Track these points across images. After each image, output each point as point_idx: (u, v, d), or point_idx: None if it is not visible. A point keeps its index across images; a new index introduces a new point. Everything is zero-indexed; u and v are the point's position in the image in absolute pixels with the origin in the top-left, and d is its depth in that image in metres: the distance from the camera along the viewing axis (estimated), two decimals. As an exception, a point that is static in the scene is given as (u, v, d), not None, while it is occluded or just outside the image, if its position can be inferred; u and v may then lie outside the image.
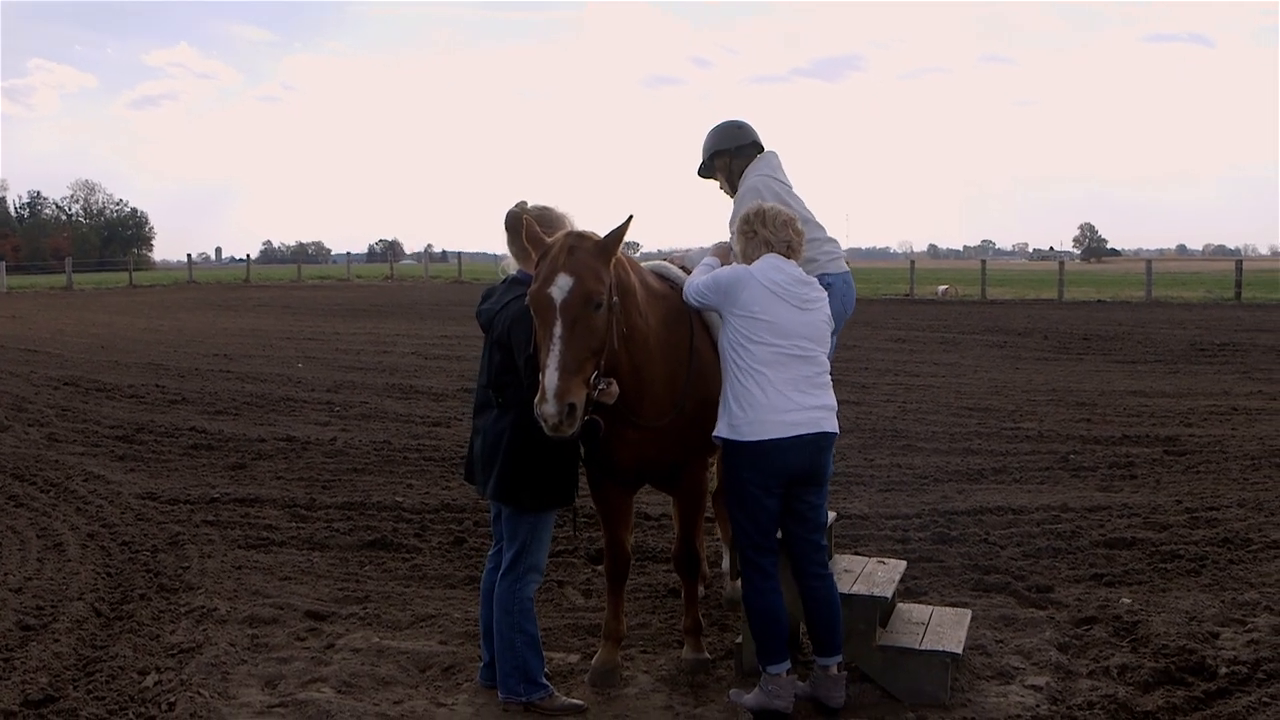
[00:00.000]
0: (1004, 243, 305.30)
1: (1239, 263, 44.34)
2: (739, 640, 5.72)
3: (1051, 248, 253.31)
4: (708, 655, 5.88)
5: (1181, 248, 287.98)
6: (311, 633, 6.29)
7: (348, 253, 79.50)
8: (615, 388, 4.86)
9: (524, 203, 5.34)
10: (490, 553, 5.54)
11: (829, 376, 5.13)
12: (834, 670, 5.17)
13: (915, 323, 30.99)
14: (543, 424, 4.58)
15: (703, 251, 6.01)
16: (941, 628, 5.65)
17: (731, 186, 6.34)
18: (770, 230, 5.08)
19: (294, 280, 64.83)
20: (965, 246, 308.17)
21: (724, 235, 6.02)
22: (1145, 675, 5.68)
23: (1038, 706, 5.32)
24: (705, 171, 6.47)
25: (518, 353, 4.97)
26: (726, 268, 5.18)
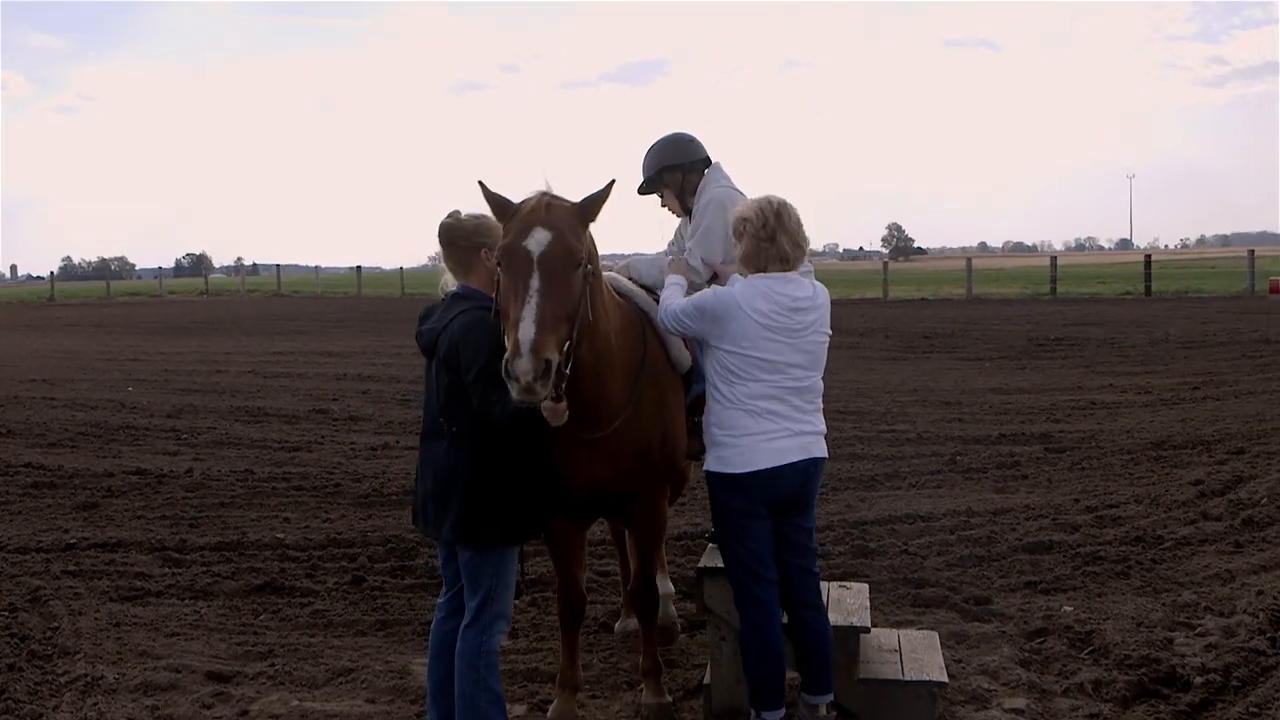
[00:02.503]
0: (816, 243, 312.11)
1: (1054, 259, 46.22)
2: (705, 681, 5.30)
3: (861, 248, 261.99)
4: (669, 698, 5.44)
5: (983, 245, 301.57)
6: (219, 698, 5.58)
7: (159, 267, 76.17)
8: (564, 405, 4.35)
9: (457, 212, 4.82)
10: (440, 600, 4.95)
11: (820, 399, 4.77)
12: (823, 710, 4.80)
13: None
14: (513, 384, 4.06)
15: (652, 263, 5.57)
16: (916, 654, 5.34)
17: (682, 203, 5.92)
18: (789, 242, 4.62)
19: (103, 297, 61.56)
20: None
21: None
22: (1121, 690, 5.51)
23: (1029, 733, 5.08)
24: (650, 187, 6.00)
25: (467, 368, 4.43)
26: (709, 293, 4.73)
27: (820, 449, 4.72)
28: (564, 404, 4.29)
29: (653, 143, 5.97)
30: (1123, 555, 7.81)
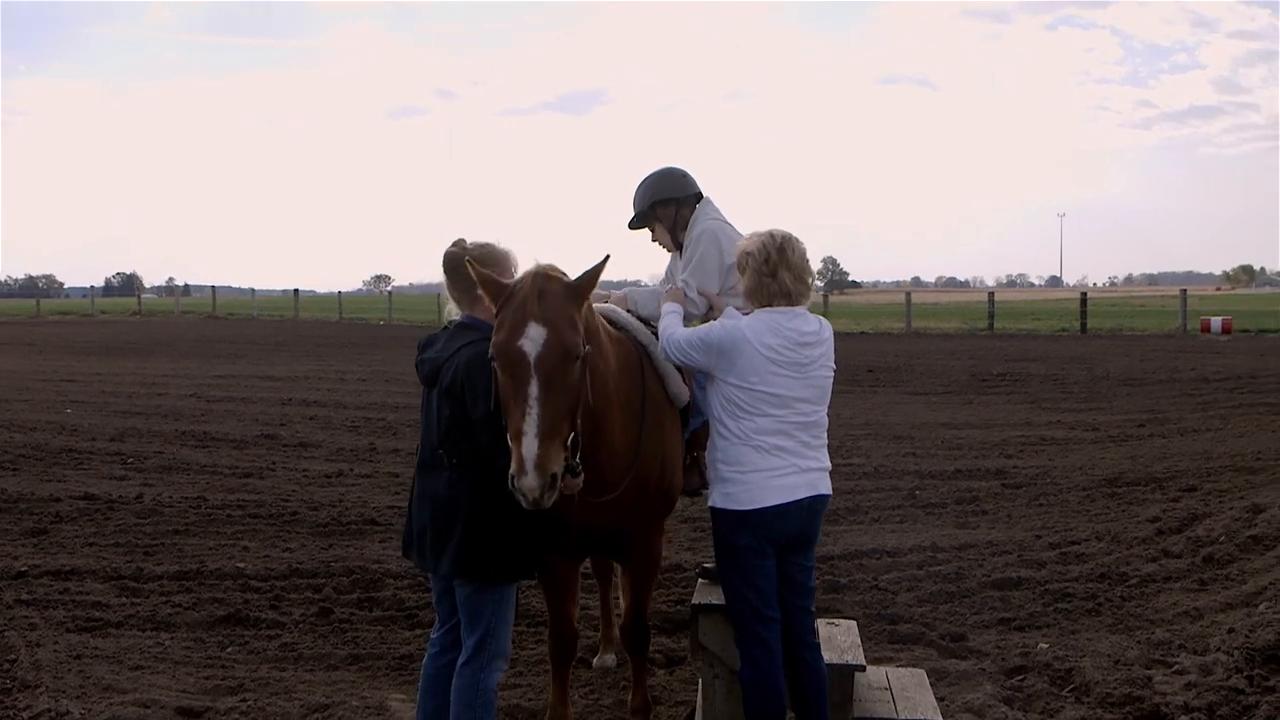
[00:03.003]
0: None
1: (991, 295, 46.82)
2: (696, 719, 5.22)
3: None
4: (659, 736, 5.36)
5: (916, 280, 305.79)
6: (191, 735, 5.40)
7: (91, 286, 74.74)
8: (581, 479, 4.30)
9: (462, 240, 4.73)
10: (434, 635, 4.82)
11: (825, 434, 4.73)
12: (821, 750, 4.74)
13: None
14: (521, 498, 4.01)
15: (651, 295, 5.51)
16: (907, 692, 5.31)
17: (674, 237, 5.87)
18: (792, 278, 4.57)
19: (33, 315, 60.18)
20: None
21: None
22: (1104, 729, 5.52)
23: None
24: (641, 222, 5.93)
25: (473, 403, 4.34)
26: (716, 326, 4.66)
27: (826, 485, 4.68)
28: (580, 478, 4.26)
29: (644, 177, 5.91)
30: (1091, 592, 7.87)
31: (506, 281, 4.33)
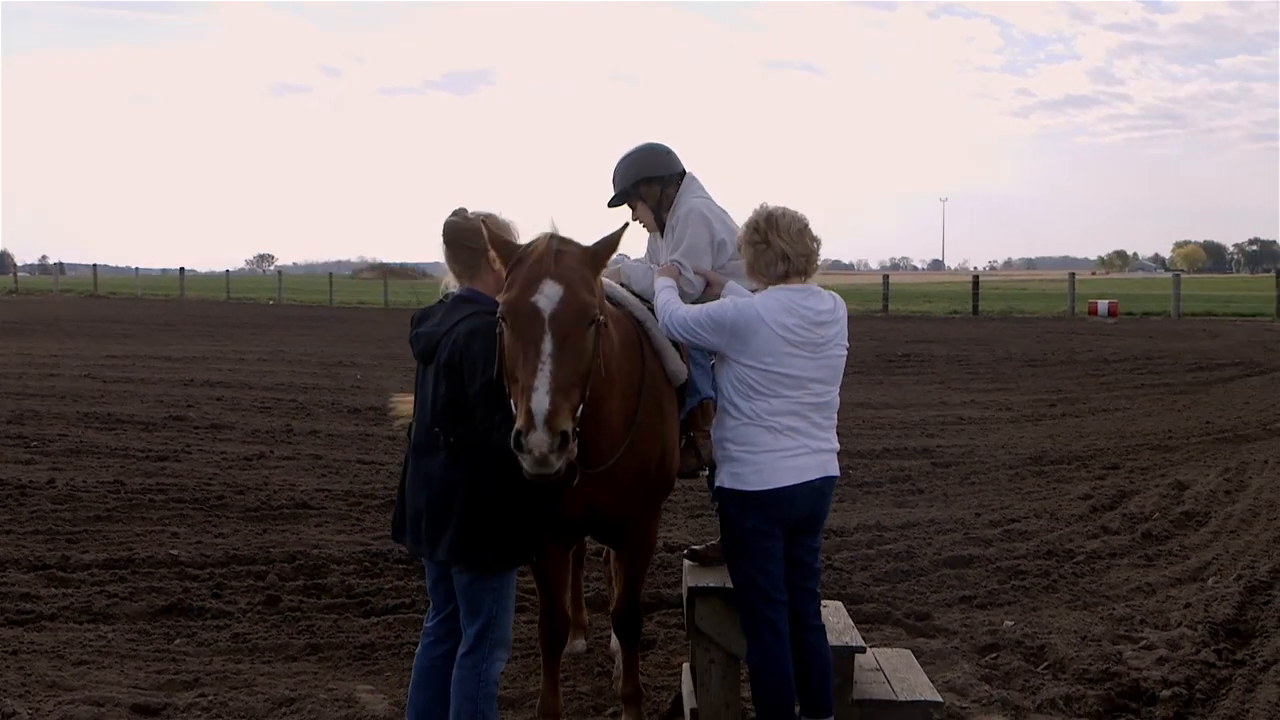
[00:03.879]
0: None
1: (886, 277, 47.51)
2: (692, 706, 5.07)
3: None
4: (650, 724, 5.21)
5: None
6: (154, 734, 5.09)
7: (-40, 263, 71.49)
8: (574, 447, 4.07)
9: (463, 210, 4.49)
10: (428, 624, 4.58)
11: (835, 415, 4.60)
12: (825, 733, 4.64)
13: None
14: (525, 457, 3.74)
15: (645, 268, 5.33)
16: (899, 673, 5.23)
17: (657, 216, 5.64)
18: (786, 240, 4.44)
19: (-103, 293, 57.42)
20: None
21: None
22: (1093, 705, 5.55)
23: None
24: (623, 199, 5.68)
25: (470, 376, 4.12)
26: (727, 302, 4.50)
27: (834, 467, 4.56)
28: (573, 446, 4.00)
29: (625, 154, 5.67)
30: (1043, 569, 7.92)
31: (518, 244, 4.12)
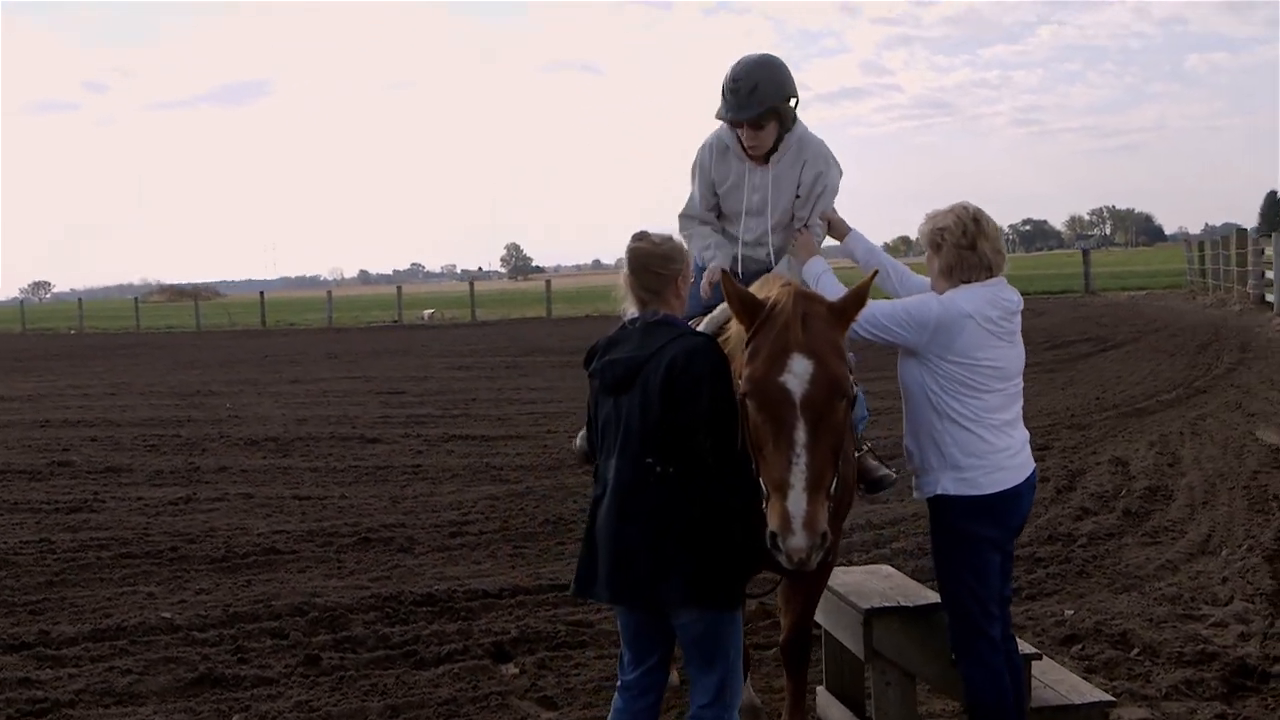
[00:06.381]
0: (433, 265, 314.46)
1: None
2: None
3: (480, 268, 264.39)
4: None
5: (597, 262, 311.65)
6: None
7: None
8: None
9: (646, 234, 4.24)
10: (628, 677, 4.15)
11: None
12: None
13: (458, 348, 30.47)
14: (782, 557, 3.52)
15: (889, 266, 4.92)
16: (1049, 674, 5.11)
17: (775, 144, 5.11)
18: (992, 246, 4.28)
19: None
20: (395, 270, 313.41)
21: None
22: (1216, 688, 5.62)
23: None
24: (761, 118, 4.98)
25: (693, 398, 3.85)
26: (930, 300, 4.26)
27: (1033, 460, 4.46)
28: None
29: (754, 59, 5.02)
30: (1060, 555, 8.01)
31: (762, 299, 3.82)
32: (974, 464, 4.22)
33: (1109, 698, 4.88)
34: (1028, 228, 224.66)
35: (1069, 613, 6.82)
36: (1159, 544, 8.22)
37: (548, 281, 52.43)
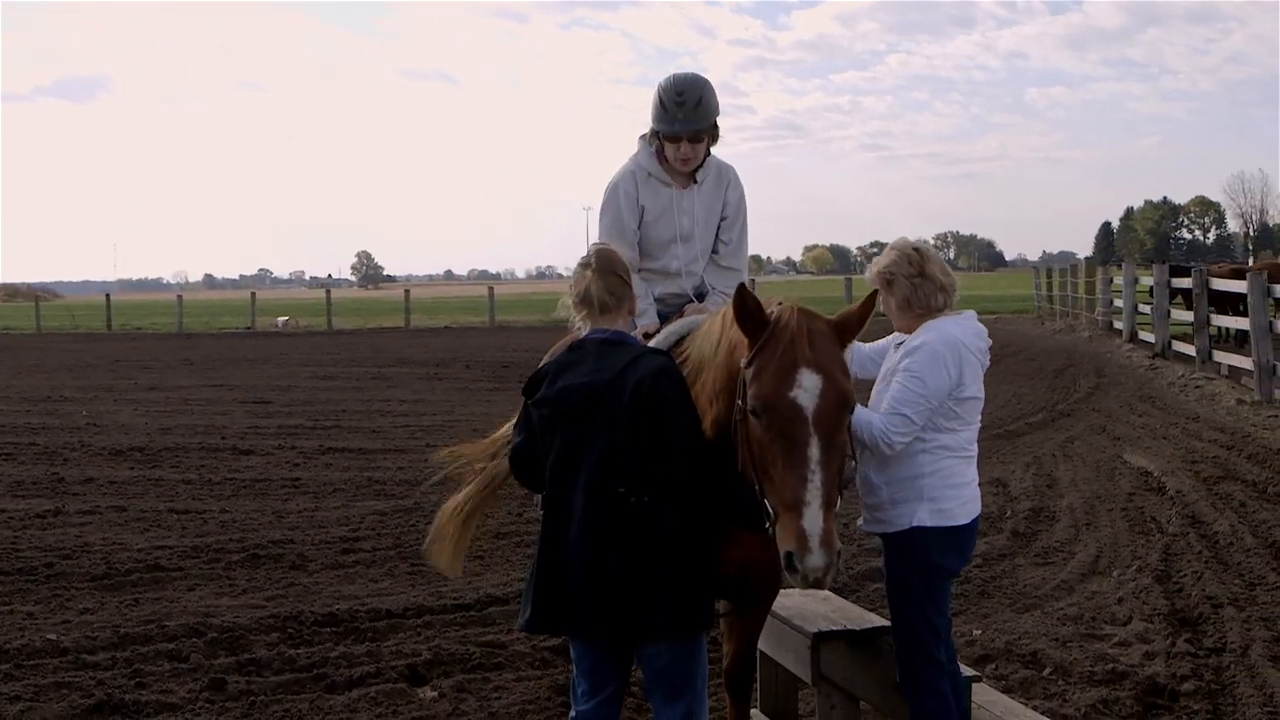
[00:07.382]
0: (281, 270, 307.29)
1: (491, 289, 48.41)
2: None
3: (330, 275, 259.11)
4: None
5: (449, 273, 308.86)
6: None
7: None
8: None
9: (603, 243, 4.16)
10: (584, 706, 4.01)
11: None
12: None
13: (319, 358, 29.72)
14: (797, 579, 3.48)
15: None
16: (979, 695, 5.18)
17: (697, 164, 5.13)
18: (941, 271, 4.30)
19: None
20: (242, 275, 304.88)
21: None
22: (1131, 706, 5.76)
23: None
24: (699, 132, 5.02)
25: (674, 422, 3.78)
26: (926, 363, 4.14)
27: None
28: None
29: (689, 77, 5.03)
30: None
31: (768, 313, 3.77)
32: (950, 495, 4.23)
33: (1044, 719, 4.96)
34: (876, 250, 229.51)
35: (977, 632, 6.96)
36: (1051, 564, 8.46)
37: (406, 291, 51.41)
